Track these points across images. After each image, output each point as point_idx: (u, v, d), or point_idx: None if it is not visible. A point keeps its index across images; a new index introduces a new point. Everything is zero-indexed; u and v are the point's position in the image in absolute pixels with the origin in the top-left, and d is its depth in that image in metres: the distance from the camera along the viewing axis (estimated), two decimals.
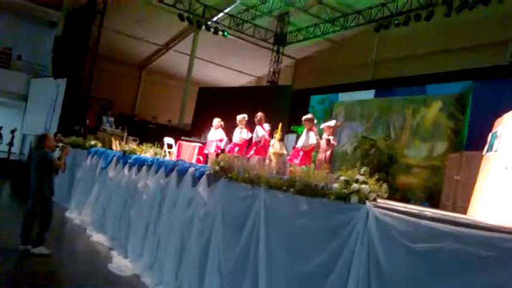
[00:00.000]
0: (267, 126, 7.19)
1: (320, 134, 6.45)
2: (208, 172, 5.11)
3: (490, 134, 4.43)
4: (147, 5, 15.62)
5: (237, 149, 7.28)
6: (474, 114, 9.74)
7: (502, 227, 2.34)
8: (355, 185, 3.15)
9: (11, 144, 18.89)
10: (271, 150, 6.86)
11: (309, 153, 6.28)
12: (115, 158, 8.31)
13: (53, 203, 6.30)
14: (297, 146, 6.45)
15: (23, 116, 17.08)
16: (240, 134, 7.40)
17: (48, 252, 5.95)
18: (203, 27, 16.28)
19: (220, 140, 7.92)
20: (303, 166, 5.86)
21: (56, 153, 6.57)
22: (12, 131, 18.86)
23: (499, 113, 4.44)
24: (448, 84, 10.80)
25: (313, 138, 6.23)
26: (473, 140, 8.71)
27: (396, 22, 13.08)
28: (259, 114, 7.19)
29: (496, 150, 4.05)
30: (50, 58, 16.87)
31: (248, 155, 6.91)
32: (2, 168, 14.59)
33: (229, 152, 7.13)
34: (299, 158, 6.16)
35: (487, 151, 4.36)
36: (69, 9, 16.95)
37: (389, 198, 3.41)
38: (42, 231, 6.06)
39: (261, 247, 3.89)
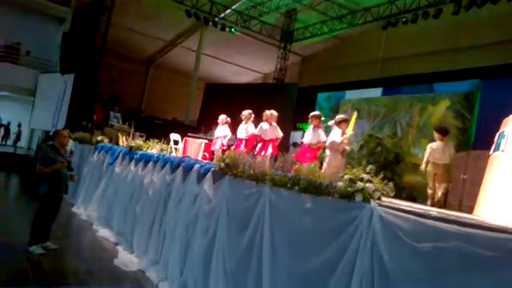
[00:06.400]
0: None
1: (327, 131, 6.40)
2: (213, 169, 5.11)
3: (497, 134, 4.40)
4: (155, 1, 15.63)
5: (243, 144, 7.25)
6: (482, 113, 9.67)
7: (509, 227, 2.32)
8: (359, 184, 3.13)
9: (17, 139, 19.11)
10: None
11: (316, 151, 6.24)
12: (121, 154, 8.34)
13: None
14: (304, 142, 6.40)
15: (31, 111, 17.18)
16: (246, 129, 7.35)
17: (54, 247, 5.98)
18: (210, 23, 16.28)
19: (225, 137, 7.88)
20: (310, 164, 5.81)
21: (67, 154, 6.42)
22: (19, 125, 19.07)
23: (507, 112, 4.41)
24: (456, 82, 10.74)
25: (321, 136, 6.18)
26: (480, 139, 8.65)
27: (404, 20, 12.98)
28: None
29: (503, 150, 4.02)
30: (58, 54, 16.98)
31: (261, 152, 6.84)
32: (9, 163, 14.70)
33: (235, 148, 7.08)
34: (307, 155, 6.11)
35: (494, 151, 4.33)
36: (77, 6, 17.06)
37: (395, 197, 3.39)
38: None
39: (265, 244, 3.89)
